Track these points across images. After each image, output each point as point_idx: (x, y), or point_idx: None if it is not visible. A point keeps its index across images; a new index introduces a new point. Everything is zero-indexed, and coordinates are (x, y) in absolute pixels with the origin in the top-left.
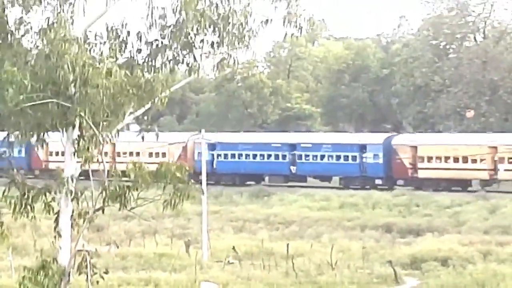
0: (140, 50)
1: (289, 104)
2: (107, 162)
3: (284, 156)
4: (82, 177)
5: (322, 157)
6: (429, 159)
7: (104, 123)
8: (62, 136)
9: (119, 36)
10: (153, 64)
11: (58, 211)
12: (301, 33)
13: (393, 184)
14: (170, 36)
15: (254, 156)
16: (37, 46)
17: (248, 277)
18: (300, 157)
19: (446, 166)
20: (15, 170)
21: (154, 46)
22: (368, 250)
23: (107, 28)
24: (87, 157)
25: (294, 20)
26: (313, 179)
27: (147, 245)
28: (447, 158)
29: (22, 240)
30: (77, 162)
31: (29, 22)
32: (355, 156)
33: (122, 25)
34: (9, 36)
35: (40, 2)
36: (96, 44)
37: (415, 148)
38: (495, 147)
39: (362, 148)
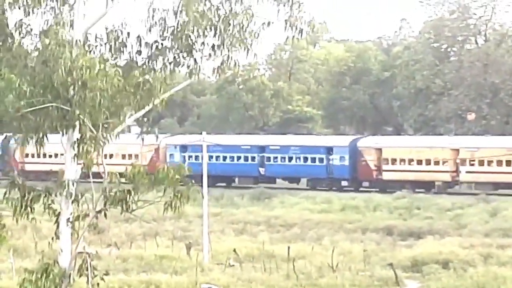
0: (140, 52)
1: (290, 106)
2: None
3: (253, 158)
4: (82, 180)
5: (290, 159)
6: (393, 161)
7: (105, 125)
8: (62, 138)
9: (119, 38)
10: (153, 66)
11: (59, 213)
12: (301, 35)
13: (359, 186)
14: (171, 38)
15: (224, 158)
16: (38, 49)
17: (249, 280)
18: (268, 159)
19: (410, 168)
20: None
21: (154, 48)
22: (369, 252)
23: (106, 30)
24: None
25: (296, 23)
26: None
27: (148, 247)
28: (410, 160)
29: (23, 242)
30: (78, 164)
31: (29, 25)
32: (322, 158)
33: (122, 26)
34: (9, 38)
35: (40, 5)
36: (96, 46)
37: (379, 150)
38: (457, 150)
39: (329, 150)
